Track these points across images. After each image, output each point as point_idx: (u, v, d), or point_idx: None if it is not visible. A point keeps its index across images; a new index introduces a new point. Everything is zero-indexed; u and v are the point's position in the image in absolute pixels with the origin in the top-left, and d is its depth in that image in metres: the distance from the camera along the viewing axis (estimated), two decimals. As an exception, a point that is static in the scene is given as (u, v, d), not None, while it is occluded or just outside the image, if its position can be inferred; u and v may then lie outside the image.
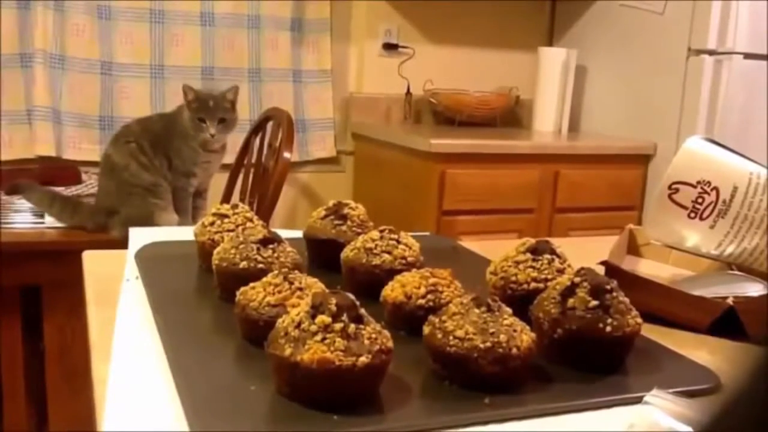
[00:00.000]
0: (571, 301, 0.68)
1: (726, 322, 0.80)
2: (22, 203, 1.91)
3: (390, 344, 0.60)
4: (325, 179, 2.90)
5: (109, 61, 2.48)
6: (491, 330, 0.61)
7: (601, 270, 0.80)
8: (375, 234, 0.86)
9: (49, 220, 1.79)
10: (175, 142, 1.84)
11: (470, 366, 0.61)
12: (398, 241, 0.85)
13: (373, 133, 2.78)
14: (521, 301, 0.74)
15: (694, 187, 0.94)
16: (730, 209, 0.93)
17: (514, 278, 0.78)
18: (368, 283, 0.81)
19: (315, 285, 0.71)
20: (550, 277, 0.77)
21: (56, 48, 2.39)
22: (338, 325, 0.58)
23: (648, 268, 1.09)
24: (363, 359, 0.57)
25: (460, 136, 2.58)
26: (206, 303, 0.81)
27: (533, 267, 0.79)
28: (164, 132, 1.86)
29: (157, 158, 1.83)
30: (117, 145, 1.83)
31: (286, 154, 2.03)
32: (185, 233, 1.00)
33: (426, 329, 0.65)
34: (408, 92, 2.93)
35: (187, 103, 1.85)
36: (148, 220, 1.76)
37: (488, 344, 0.61)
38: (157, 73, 2.55)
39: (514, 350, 0.61)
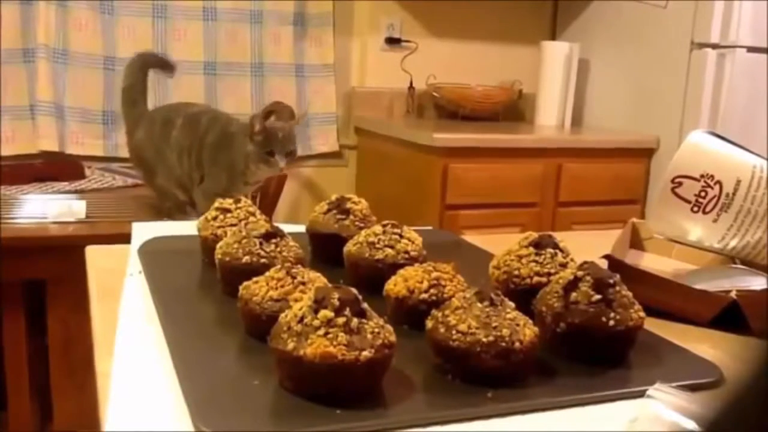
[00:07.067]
0: (574, 295, 0.68)
1: (729, 315, 0.80)
2: (24, 199, 1.91)
3: (393, 339, 0.60)
4: (328, 173, 2.90)
5: (112, 56, 2.48)
6: (494, 324, 0.61)
7: (604, 264, 0.80)
8: (378, 228, 0.86)
9: (52, 215, 1.79)
10: (218, 166, 1.76)
11: (473, 360, 0.61)
12: (401, 236, 0.85)
13: (375, 128, 2.78)
14: (524, 296, 0.74)
15: (698, 180, 0.94)
16: (733, 203, 0.93)
17: (517, 272, 0.78)
18: (371, 278, 0.80)
19: (318, 279, 0.71)
20: (552, 271, 0.77)
21: (59, 43, 2.39)
22: (341, 320, 0.58)
23: (651, 262, 1.09)
24: (366, 354, 0.57)
25: (463, 130, 2.57)
26: (209, 297, 0.82)
27: (536, 261, 0.79)
28: (216, 147, 1.77)
29: (192, 169, 1.78)
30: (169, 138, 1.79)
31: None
32: (188, 228, 1.00)
33: (429, 323, 0.65)
34: (411, 86, 2.92)
35: (251, 135, 1.70)
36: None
37: (491, 338, 0.61)
38: (160, 68, 2.54)
39: (517, 344, 0.61)
